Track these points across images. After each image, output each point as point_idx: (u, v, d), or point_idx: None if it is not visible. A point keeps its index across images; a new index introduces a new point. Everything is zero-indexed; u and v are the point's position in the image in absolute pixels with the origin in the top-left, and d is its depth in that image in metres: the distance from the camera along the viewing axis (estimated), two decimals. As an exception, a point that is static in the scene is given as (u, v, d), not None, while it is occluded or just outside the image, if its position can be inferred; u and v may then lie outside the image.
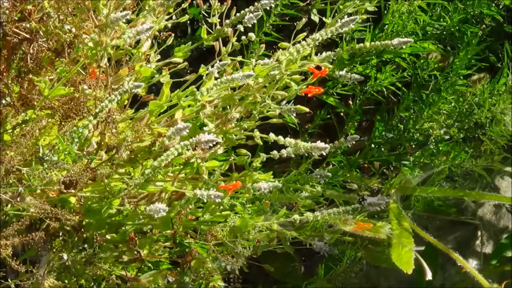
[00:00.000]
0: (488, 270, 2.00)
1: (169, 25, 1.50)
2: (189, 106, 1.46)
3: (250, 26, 1.43)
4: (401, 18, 1.91)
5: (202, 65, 1.45)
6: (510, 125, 1.82)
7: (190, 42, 1.51)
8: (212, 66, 1.40)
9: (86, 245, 1.47)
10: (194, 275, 1.55)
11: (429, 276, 1.69)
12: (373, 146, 1.95)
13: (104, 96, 1.39)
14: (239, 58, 1.46)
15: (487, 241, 2.10)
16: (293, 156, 1.41)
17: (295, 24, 1.47)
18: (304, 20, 1.46)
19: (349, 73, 1.46)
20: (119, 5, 1.36)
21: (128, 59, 1.48)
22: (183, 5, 1.51)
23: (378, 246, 2.12)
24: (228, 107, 1.49)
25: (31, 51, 1.39)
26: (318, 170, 1.49)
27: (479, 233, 2.12)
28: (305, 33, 1.43)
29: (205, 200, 1.31)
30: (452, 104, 1.89)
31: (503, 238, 2.04)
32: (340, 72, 1.47)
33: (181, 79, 1.48)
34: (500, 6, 2.08)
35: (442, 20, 1.96)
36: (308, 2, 2.13)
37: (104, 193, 1.35)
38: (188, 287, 1.55)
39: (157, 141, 1.41)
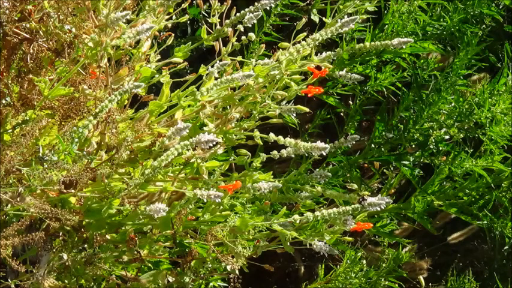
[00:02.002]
0: None
1: (169, 25, 1.50)
2: (189, 106, 1.46)
3: (250, 26, 1.43)
4: (401, 18, 1.91)
5: (202, 65, 1.45)
6: (510, 125, 1.82)
7: (190, 42, 1.51)
8: (212, 66, 1.40)
9: (86, 245, 1.47)
10: (194, 275, 1.55)
11: None
12: (373, 146, 1.95)
13: (104, 96, 1.39)
14: (239, 58, 1.46)
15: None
16: (293, 156, 1.41)
17: (295, 24, 1.47)
18: (304, 20, 1.46)
19: (349, 73, 1.46)
20: (119, 5, 1.36)
21: (128, 59, 1.48)
22: (183, 5, 1.51)
23: (377, 246, 2.12)
24: (228, 107, 1.49)
25: (31, 51, 1.39)
26: (318, 170, 1.49)
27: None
28: (305, 33, 1.43)
29: (205, 200, 1.31)
30: (452, 104, 1.89)
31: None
32: (340, 72, 1.47)
33: (181, 79, 1.48)
34: (500, 6, 2.08)
35: (442, 20, 1.96)
36: (308, 2, 2.13)
37: (104, 193, 1.35)
38: (188, 287, 1.55)
39: (157, 141, 1.41)
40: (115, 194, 1.34)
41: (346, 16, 1.45)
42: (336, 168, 1.94)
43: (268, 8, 1.42)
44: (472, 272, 2.01)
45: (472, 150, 1.88)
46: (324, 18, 1.48)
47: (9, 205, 1.31)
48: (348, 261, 1.83)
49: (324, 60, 1.44)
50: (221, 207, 1.47)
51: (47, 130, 1.42)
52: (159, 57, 1.51)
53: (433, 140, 1.91)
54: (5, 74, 1.38)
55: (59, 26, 1.37)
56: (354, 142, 1.46)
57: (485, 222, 1.90)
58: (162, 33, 1.53)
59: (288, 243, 1.44)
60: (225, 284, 1.72)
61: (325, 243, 1.39)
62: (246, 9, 1.41)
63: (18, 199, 1.30)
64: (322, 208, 1.40)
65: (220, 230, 1.44)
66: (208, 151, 1.44)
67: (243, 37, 1.44)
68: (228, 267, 1.49)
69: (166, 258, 1.63)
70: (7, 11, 1.33)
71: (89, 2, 1.37)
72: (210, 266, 1.55)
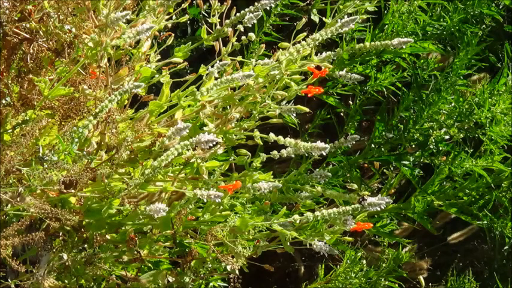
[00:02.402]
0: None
1: (169, 25, 1.50)
2: (189, 106, 1.46)
3: (250, 26, 1.43)
4: (401, 18, 1.91)
5: (202, 65, 1.45)
6: (510, 125, 1.81)
7: (190, 42, 1.51)
8: (212, 66, 1.40)
9: (86, 245, 1.47)
10: (194, 275, 1.55)
11: None
12: (373, 146, 1.94)
13: (104, 96, 1.39)
14: (239, 58, 1.46)
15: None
16: (293, 156, 1.41)
17: (295, 24, 1.47)
18: (304, 20, 1.46)
19: (349, 73, 1.46)
20: (119, 5, 1.36)
21: (128, 59, 1.48)
22: (183, 5, 1.51)
23: (377, 246, 2.12)
24: (228, 107, 1.49)
25: (31, 51, 1.39)
26: (318, 170, 1.49)
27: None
28: (305, 33, 1.43)
29: (205, 200, 1.31)
30: (452, 104, 1.89)
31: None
32: (340, 72, 1.47)
33: (181, 79, 1.48)
34: (500, 6, 2.08)
35: (442, 20, 1.96)
36: (308, 2, 2.13)
37: (104, 193, 1.35)
38: (188, 287, 1.55)
39: (157, 141, 1.41)
40: (115, 194, 1.34)
41: (346, 16, 1.45)
42: (336, 168, 1.94)
43: (268, 8, 1.42)
44: (472, 272, 2.01)
45: (472, 150, 1.88)
46: (324, 18, 1.48)
47: (9, 205, 1.31)
48: (348, 261, 1.83)
49: (324, 60, 1.44)
50: (221, 207, 1.47)
51: (47, 130, 1.42)
52: (159, 57, 1.51)
53: (433, 140, 1.91)
54: (5, 74, 1.38)
55: (59, 26, 1.37)
56: (354, 142, 1.46)
57: (485, 222, 1.90)
58: (162, 33, 1.53)
59: (288, 243, 1.44)
60: (225, 284, 1.72)
61: (325, 243, 1.39)
62: (246, 9, 1.41)
63: (18, 199, 1.30)
64: (322, 208, 1.40)
65: (220, 230, 1.44)
66: (208, 151, 1.44)
67: (243, 37, 1.44)
68: (228, 267, 1.49)
69: (166, 258, 1.63)
70: (7, 11, 1.33)
71: (89, 2, 1.37)
72: (210, 266, 1.55)
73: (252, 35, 1.45)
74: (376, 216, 1.95)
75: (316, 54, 1.45)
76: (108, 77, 1.42)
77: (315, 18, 2.13)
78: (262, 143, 1.46)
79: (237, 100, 1.46)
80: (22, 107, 1.38)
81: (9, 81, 1.38)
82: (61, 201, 1.40)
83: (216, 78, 1.37)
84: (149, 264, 1.64)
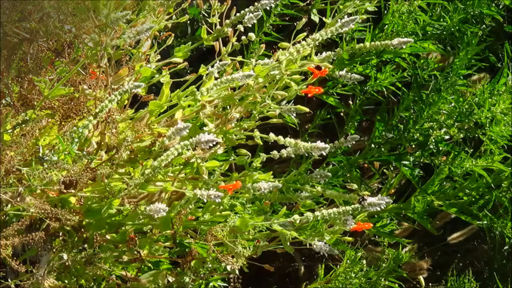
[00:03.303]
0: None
1: (169, 25, 1.50)
2: (189, 106, 1.46)
3: (250, 26, 1.43)
4: (401, 18, 1.91)
5: (202, 65, 1.45)
6: (510, 125, 1.81)
7: (190, 42, 1.51)
8: (212, 66, 1.40)
9: (86, 245, 1.47)
10: (194, 275, 1.55)
11: None
12: (373, 146, 1.94)
13: (104, 96, 1.39)
14: (239, 58, 1.46)
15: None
16: (293, 156, 1.41)
17: (295, 24, 1.47)
18: (304, 20, 1.46)
19: (349, 73, 1.46)
20: (119, 5, 1.36)
21: (127, 59, 1.48)
22: (183, 5, 1.51)
23: (377, 246, 2.12)
24: (228, 107, 1.49)
25: (31, 51, 1.39)
26: (318, 170, 1.49)
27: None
28: (305, 33, 1.43)
29: (205, 200, 1.31)
30: (452, 104, 1.89)
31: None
32: (340, 72, 1.47)
33: (181, 79, 1.48)
34: (500, 6, 2.08)
35: (442, 20, 1.96)
36: (308, 2, 2.13)
37: (104, 193, 1.35)
38: (188, 287, 1.55)
39: (157, 141, 1.41)
40: (115, 194, 1.34)
41: (346, 16, 1.45)
42: (336, 168, 1.94)
43: (268, 8, 1.42)
44: (472, 272, 2.01)
45: (472, 150, 1.88)
46: (324, 18, 1.48)
47: (9, 205, 1.31)
48: (348, 261, 1.83)
49: (324, 60, 1.44)
50: (221, 207, 1.47)
51: (47, 130, 1.42)
52: (159, 57, 1.51)
53: (433, 140, 1.91)
54: (5, 74, 1.38)
55: (59, 26, 1.37)
56: (354, 142, 1.46)
57: (485, 222, 1.90)
58: (162, 33, 1.53)
59: (288, 243, 1.44)
60: (225, 284, 1.72)
61: (325, 243, 1.39)
62: (246, 9, 1.41)
63: (18, 199, 1.30)
64: (322, 208, 1.40)
65: (220, 230, 1.44)
66: (208, 151, 1.44)
67: (243, 37, 1.44)
68: (228, 267, 1.49)
69: (166, 258, 1.63)
70: (7, 11, 1.33)
71: (89, 2, 1.37)
72: (210, 266, 1.55)
73: (252, 35, 1.45)
74: (376, 216, 1.95)
75: (316, 54, 1.45)
76: (108, 77, 1.42)
77: (315, 18, 2.13)
78: (262, 143, 1.46)
79: (237, 100, 1.46)
80: (22, 107, 1.38)
81: (9, 81, 1.38)
82: (61, 201, 1.40)
83: (216, 78, 1.37)
84: (149, 264, 1.64)
